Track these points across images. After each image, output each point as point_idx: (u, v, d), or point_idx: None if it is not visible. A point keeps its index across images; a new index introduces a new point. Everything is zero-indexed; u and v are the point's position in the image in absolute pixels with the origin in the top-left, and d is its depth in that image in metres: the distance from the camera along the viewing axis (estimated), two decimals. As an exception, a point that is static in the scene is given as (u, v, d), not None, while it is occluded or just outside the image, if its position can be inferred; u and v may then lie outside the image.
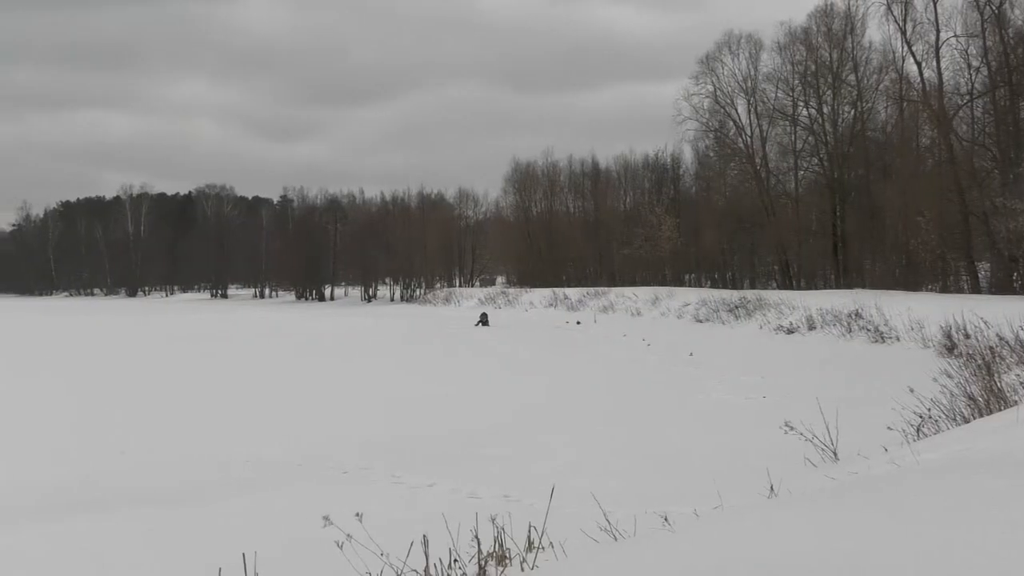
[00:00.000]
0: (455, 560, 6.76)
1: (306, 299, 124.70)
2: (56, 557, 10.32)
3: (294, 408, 22.72)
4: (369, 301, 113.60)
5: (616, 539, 7.37)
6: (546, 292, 78.83)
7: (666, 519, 8.28)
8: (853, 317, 37.88)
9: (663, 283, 78.22)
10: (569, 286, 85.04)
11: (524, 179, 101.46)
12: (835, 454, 12.31)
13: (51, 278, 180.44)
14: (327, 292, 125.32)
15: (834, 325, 38.23)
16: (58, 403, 24.18)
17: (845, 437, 12.74)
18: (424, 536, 6.69)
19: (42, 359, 38.44)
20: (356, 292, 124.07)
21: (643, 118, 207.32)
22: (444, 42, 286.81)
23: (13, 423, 20.84)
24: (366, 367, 33.96)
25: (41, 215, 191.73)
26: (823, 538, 4.58)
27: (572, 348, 41.13)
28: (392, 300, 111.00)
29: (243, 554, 6.78)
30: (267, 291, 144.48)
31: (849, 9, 62.40)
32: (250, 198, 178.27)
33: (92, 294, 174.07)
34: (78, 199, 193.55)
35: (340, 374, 31.24)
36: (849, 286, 58.02)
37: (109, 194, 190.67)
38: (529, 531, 7.03)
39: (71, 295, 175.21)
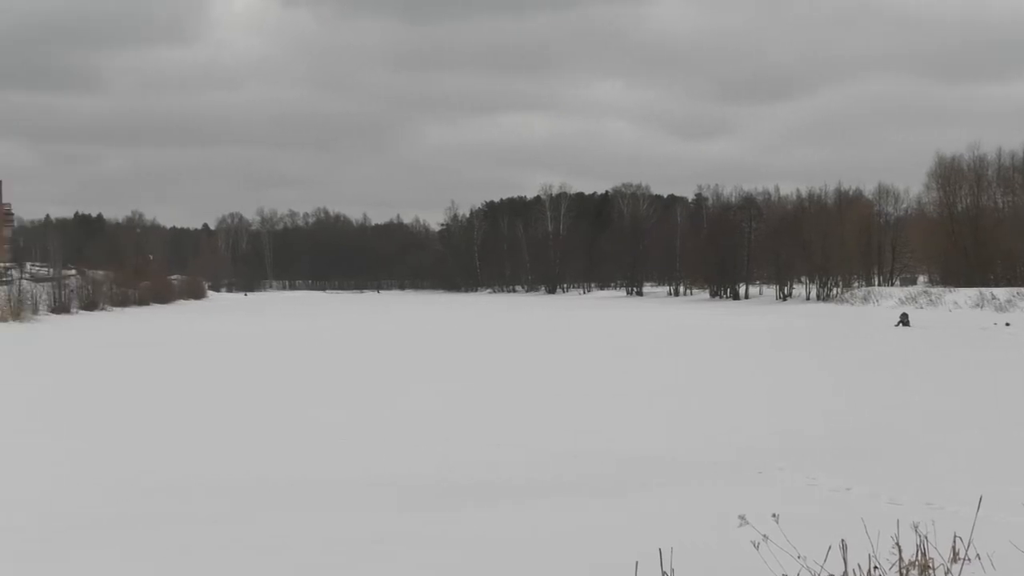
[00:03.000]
0: (875, 567, 6.60)
1: (720, 297, 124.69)
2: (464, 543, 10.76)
3: (710, 405, 22.75)
4: (784, 300, 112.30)
5: (1051, 554, 6.97)
6: (971, 292, 75.30)
7: (1108, 536, 7.74)
8: None
9: (1103, 283, 73.09)
10: (997, 285, 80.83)
11: (948, 174, 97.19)
12: None
13: (476, 275, 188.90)
14: (741, 290, 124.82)
15: None
16: (462, 397, 25.29)
17: None
18: (843, 541, 6.56)
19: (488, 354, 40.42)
20: (770, 291, 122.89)
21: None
22: (861, 33, 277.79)
23: (436, 417, 21.97)
24: (781, 366, 33.59)
25: (467, 215, 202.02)
26: None
27: (996, 350, 39.03)
28: (807, 299, 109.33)
29: (659, 548, 6.87)
30: (681, 289, 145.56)
31: None
32: (664, 196, 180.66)
33: (514, 291, 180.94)
34: (500, 199, 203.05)
35: (756, 372, 31.04)
36: None
37: (529, 194, 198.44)
38: (954, 541, 6.78)
39: (493, 292, 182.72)
